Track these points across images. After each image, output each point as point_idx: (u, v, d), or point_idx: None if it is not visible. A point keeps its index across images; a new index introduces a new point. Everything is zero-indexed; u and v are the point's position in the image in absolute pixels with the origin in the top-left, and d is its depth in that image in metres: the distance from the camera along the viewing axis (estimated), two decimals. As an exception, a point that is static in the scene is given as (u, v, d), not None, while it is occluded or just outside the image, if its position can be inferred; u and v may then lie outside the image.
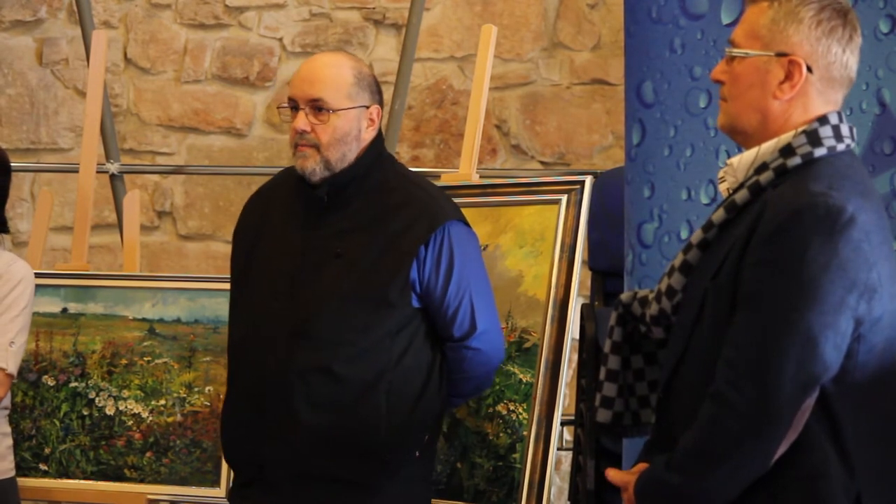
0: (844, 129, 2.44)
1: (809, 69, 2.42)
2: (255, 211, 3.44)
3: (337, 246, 3.24)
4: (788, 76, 2.42)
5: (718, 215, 2.45)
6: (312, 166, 3.25)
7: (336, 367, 3.18)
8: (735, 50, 2.46)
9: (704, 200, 3.30)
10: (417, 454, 3.27)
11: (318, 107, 3.25)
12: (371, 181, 3.30)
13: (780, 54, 2.42)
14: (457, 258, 3.26)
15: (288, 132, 3.39)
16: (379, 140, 3.34)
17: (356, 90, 3.28)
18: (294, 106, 3.28)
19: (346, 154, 3.27)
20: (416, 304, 3.25)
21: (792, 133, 2.43)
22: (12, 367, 3.73)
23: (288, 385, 3.20)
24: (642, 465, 2.45)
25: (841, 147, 2.43)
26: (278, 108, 3.38)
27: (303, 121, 3.25)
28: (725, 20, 3.29)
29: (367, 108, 3.29)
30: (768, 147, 2.44)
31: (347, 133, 3.27)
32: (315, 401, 3.19)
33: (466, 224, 3.34)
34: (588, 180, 3.74)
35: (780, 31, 2.42)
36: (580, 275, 3.67)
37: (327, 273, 3.23)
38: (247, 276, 3.36)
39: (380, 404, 3.19)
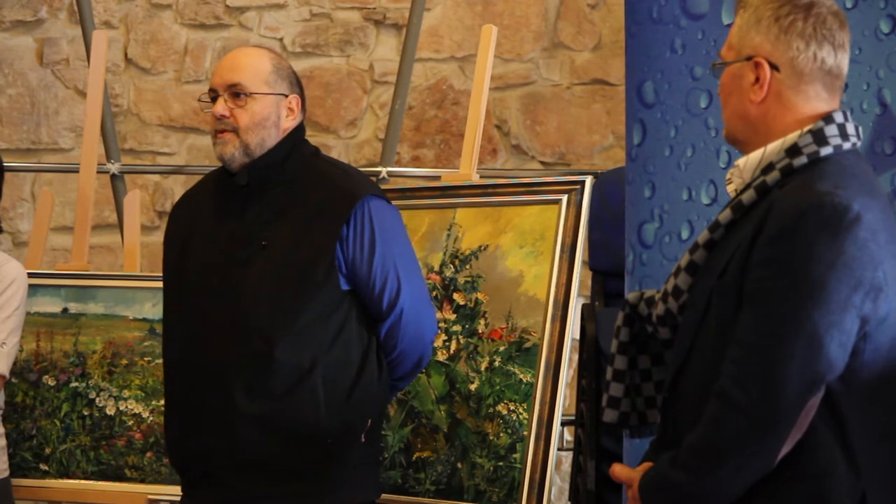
0: (850, 128, 2.45)
1: (775, 67, 2.43)
2: (180, 215, 3.47)
3: (262, 237, 3.25)
4: (757, 78, 2.45)
5: (725, 215, 2.46)
6: (231, 151, 3.29)
7: (274, 354, 3.19)
8: (717, 62, 2.52)
9: (705, 200, 3.30)
10: (363, 439, 3.28)
11: (235, 92, 3.30)
12: (290, 168, 3.32)
13: (748, 58, 2.46)
14: (378, 233, 3.27)
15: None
16: (299, 129, 3.37)
17: (274, 78, 3.33)
18: (214, 96, 3.33)
19: (264, 139, 3.31)
20: (344, 286, 3.26)
21: (798, 133, 2.43)
22: (4, 368, 3.72)
23: (226, 376, 3.21)
24: (648, 464, 2.46)
25: (847, 146, 2.44)
26: (199, 100, 3.42)
27: (221, 106, 3.30)
28: (726, 20, 3.29)
29: (286, 96, 3.34)
30: (774, 147, 2.45)
31: (266, 118, 3.30)
32: (252, 389, 3.20)
33: (385, 198, 3.35)
34: (588, 180, 3.74)
35: (745, 35, 2.47)
36: (580, 275, 3.67)
37: (255, 264, 3.24)
38: (179, 278, 3.38)
39: (316, 389, 3.20)
